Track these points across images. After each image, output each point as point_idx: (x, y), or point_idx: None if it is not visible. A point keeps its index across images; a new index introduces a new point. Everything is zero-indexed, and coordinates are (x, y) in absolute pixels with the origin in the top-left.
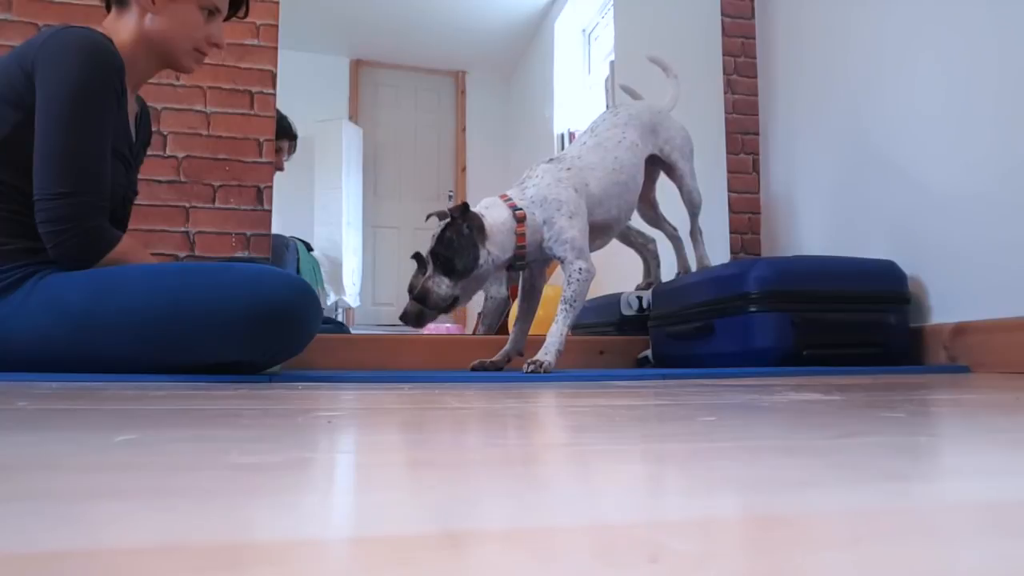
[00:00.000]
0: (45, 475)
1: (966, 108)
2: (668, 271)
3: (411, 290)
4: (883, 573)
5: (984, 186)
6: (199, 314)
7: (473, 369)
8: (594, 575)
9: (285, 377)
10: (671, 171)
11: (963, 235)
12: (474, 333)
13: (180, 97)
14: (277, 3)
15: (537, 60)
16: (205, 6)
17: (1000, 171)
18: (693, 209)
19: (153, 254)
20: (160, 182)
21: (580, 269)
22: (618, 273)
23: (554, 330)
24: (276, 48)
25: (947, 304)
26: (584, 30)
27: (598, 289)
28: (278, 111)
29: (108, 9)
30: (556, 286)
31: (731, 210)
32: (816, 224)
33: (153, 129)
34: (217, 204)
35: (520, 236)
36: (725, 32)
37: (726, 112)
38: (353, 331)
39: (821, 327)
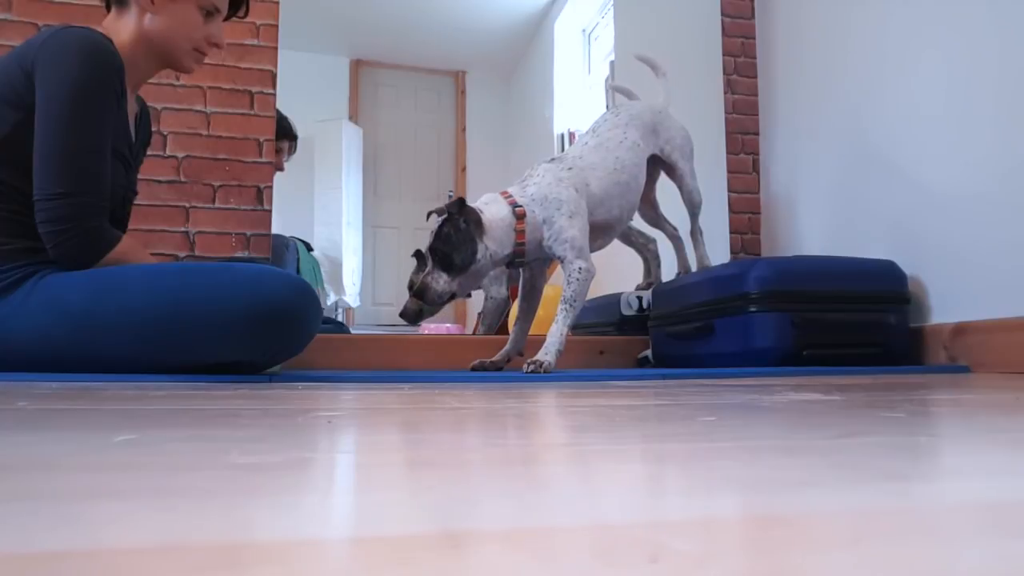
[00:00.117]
0: (45, 475)
1: (966, 108)
2: (668, 271)
3: (411, 287)
4: (883, 573)
5: (984, 186)
6: (199, 314)
7: (473, 369)
8: (594, 575)
9: (285, 377)
10: (671, 171)
11: (963, 235)
12: (474, 333)
13: (180, 97)
14: (277, 3)
15: (537, 60)
16: (204, 6)
17: (1000, 171)
18: (693, 209)
19: (153, 254)
20: (160, 182)
21: (580, 269)
22: (618, 273)
23: (554, 330)
24: (276, 48)
25: (947, 304)
26: (584, 30)
27: (598, 289)
28: (278, 111)
29: (108, 9)
30: (556, 286)
31: (731, 210)
32: (816, 224)
33: (153, 129)
34: (217, 204)
35: (520, 233)
36: (725, 32)
37: (726, 112)
38: (353, 331)
39: (821, 327)
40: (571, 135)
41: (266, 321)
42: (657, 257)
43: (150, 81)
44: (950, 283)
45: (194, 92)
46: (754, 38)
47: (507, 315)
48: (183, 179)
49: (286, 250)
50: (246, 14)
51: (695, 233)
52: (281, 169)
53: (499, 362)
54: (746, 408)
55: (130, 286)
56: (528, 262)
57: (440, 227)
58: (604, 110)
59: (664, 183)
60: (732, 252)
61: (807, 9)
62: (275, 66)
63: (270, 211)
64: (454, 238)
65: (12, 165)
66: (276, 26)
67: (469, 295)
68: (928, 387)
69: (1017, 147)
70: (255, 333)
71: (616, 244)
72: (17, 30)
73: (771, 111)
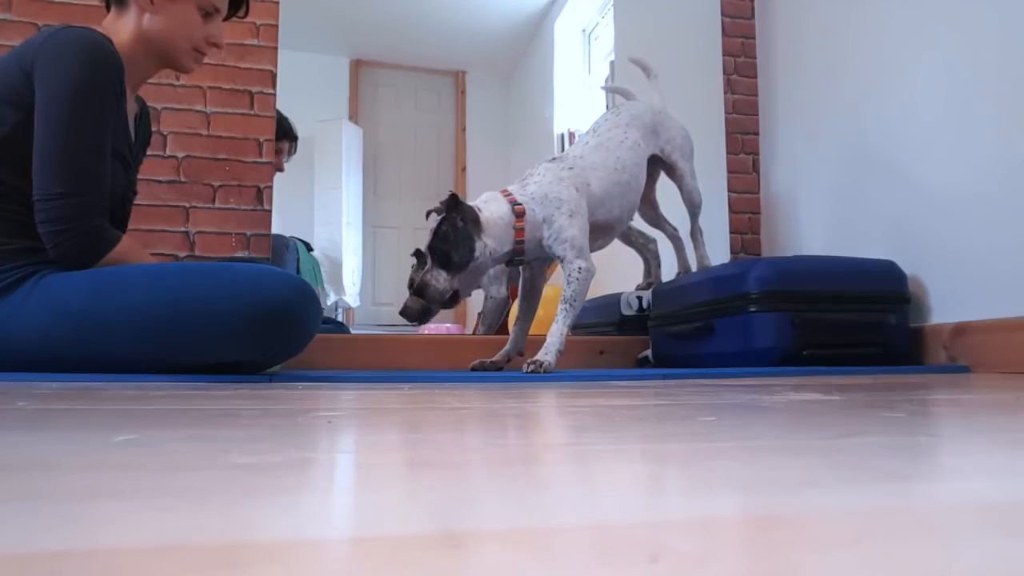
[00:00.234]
0: (45, 475)
1: (966, 108)
2: (668, 271)
3: (411, 285)
4: (883, 573)
5: (984, 186)
6: (199, 314)
7: (473, 369)
8: (594, 575)
9: (285, 377)
10: (671, 171)
11: (963, 235)
12: (474, 333)
13: (180, 97)
14: (277, 3)
15: (537, 60)
16: (204, 6)
17: (1000, 171)
18: (693, 209)
19: (153, 254)
20: (160, 182)
21: (580, 268)
22: (618, 273)
23: (554, 330)
24: (276, 48)
25: (947, 304)
26: (584, 30)
27: (598, 289)
28: (279, 112)
29: (107, 9)
30: (556, 286)
31: (731, 210)
32: (816, 224)
33: (153, 129)
34: (217, 204)
35: (519, 231)
36: (725, 32)
37: (726, 112)
38: (353, 331)
39: (821, 327)
40: (571, 135)
41: (266, 321)
42: (657, 257)
43: (150, 81)
44: (950, 283)
45: (194, 92)
46: (754, 38)
47: (507, 315)
48: (183, 179)
49: (286, 250)
50: (246, 14)
51: (695, 233)
52: (281, 170)
53: (499, 362)
54: (746, 408)
55: (130, 286)
56: (528, 261)
57: (438, 225)
58: (604, 110)
59: (664, 183)
60: (732, 252)
61: (807, 9)
62: (275, 66)
63: (270, 211)
64: (452, 236)
65: (12, 165)
66: (276, 26)
67: (469, 294)
68: (928, 387)
69: (1017, 147)
70: (255, 333)
71: (616, 244)
72: (17, 30)
73: (771, 111)
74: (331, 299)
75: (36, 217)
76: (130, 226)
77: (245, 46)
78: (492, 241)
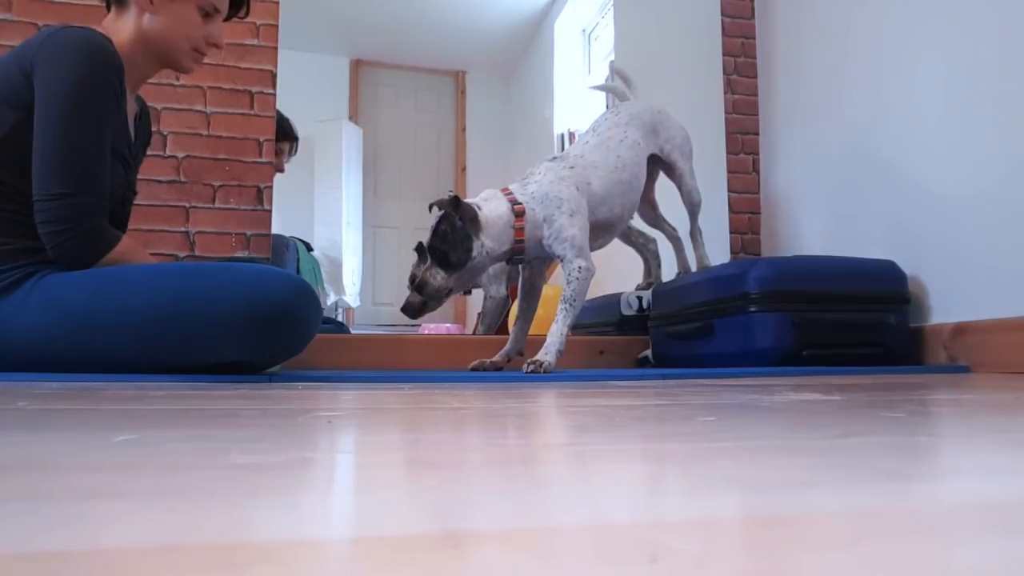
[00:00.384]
0: (45, 475)
1: (966, 108)
2: (668, 271)
3: (412, 280)
4: (883, 573)
5: (984, 186)
6: (199, 314)
7: (473, 369)
8: (594, 575)
9: (285, 377)
10: (671, 171)
11: (963, 235)
12: (474, 333)
13: (180, 97)
14: (277, 3)
15: (537, 60)
16: (204, 6)
17: (1000, 171)
18: (693, 209)
19: (153, 254)
20: (160, 182)
21: (580, 268)
22: (618, 273)
23: (554, 330)
24: (276, 48)
25: (947, 304)
26: (584, 30)
27: (598, 289)
28: (279, 113)
29: (108, 9)
30: (556, 286)
31: (731, 210)
32: (816, 224)
33: (153, 129)
34: (217, 204)
35: (518, 230)
36: (725, 32)
37: (726, 112)
38: (353, 331)
39: (821, 327)
40: (571, 135)
41: (266, 321)
42: (657, 257)
43: (150, 81)
44: (950, 283)
45: (194, 92)
46: (754, 38)
47: (507, 315)
48: (183, 179)
49: (286, 250)
50: (246, 14)
51: (694, 233)
52: (282, 170)
53: (499, 362)
54: (746, 408)
55: (130, 286)
56: (528, 261)
57: (437, 224)
58: (604, 110)
59: (663, 184)
60: (732, 252)
61: (807, 9)
62: (275, 66)
63: (270, 211)
64: (450, 236)
65: (12, 165)
66: (276, 26)
67: (469, 292)
68: (928, 387)
69: (1017, 147)
70: (255, 333)
71: (616, 244)
72: (17, 30)
73: (771, 111)
74: (331, 299)
75: (36, 217)
76: (130, 226)
77: (245, 46)
78: (490, 241)
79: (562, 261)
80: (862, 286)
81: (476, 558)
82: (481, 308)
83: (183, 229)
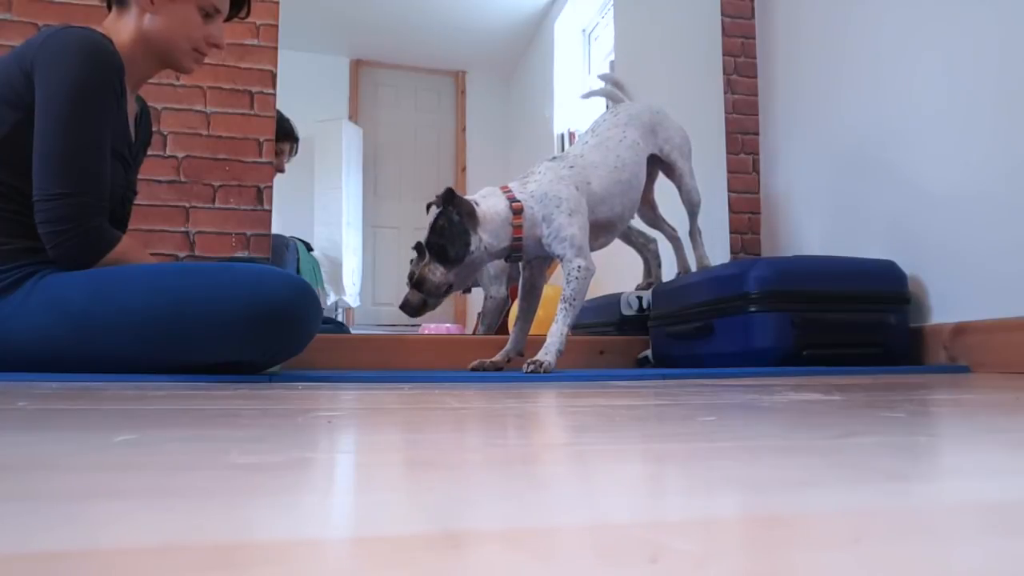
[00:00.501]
0: (45, 475)
1: (967, 108)
2: (668, 271)
3: (411, 278)
4: (883, 573)
5: (984, 186)
6: (199, 314)
7: (473, 369)
8: (594, 575)
9: (285, 377)
10: (670, 171)
11: (963, 235)
12: (474, 333)
13: (180, 97)
14: (277, 3)
15: (537, 60)
16: (204, 7)
17: (1000, 171)
18: (692, 208)
19: (153, 254)
20: (160, 182)
21: (579, 267)
22: (618, 273)
23: (554, 330)
24: (276, 48)
25: (947, 304)
26: (584, 30)
27: (598, 289)
28: (280, 113)
29: (109, 9)
30: (556, 286)
31: (731, 210)
32: (816, 224)
33: (153, 129)
34: (217, 204)
35: (516, 228)
36: (725, 32)
37: (726, 112)
38: (353, 331)
39: (821, 327)
40: (571, 135)
41: (266, 321)
42: (658, 257)
43: (150, 81)
44: (950, 283)
45: (194, 92)
46: (754, 38)
47: (507, 315)
48: (183, 179)
49: (286, 250)
50: (247, 15)
51: (694, 233)
52: (282, 171)
53: (499, 362)
54: (746, 408)
55: (130, 286)
56: (528, 261)
57: (435, 220)
58: (604, 110)
59: (663, 184)
60: (732, 252)
61: (807, 9)
62: (275, 66)
63: (270, 211)
64: (448, 230)
65: (12, 165)
66: (276, 26)
67: (469, 291)
68: (928, 387)
69: (1017, 147)
70: (255, 333)
71: (616, 244)
72: (17, 30)
73: (771, 111)
74: (331, 299)
75: (36, 217)
76: (130, 226)
77: (245, 46)
78: (488, 236)
79: (561, 260)
80: (862, 286)
81: (476, 558)
82: (481, 308)
83: (183, 229)
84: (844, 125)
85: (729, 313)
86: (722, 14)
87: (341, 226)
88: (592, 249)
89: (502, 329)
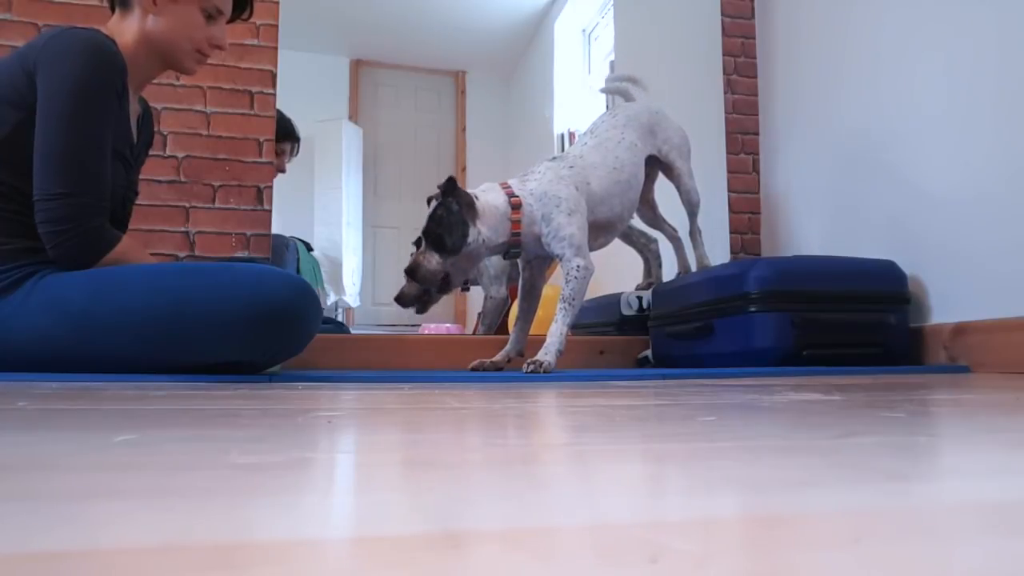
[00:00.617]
0: (45, 475)
1: (967, 108)
2: (669, 271)
3: (408, 272)
4: (883, 573)
5: (984, 186)
6: (199, 314)
7: (473, 369)
8: (594, 575)
9: (285, 377)
10: (669, 171)
11: (963, 235)
12: (474, 333)
13: (180, 97)
14: (277, 3)
15: (537, 60)
16: (207, 8)
17: (1000, 171)
18: (692, 209)
19: (153, 254)
20: (160, 182)
21: (579, 267)
22: (618, 273)
23: (554, 330)
24: (276, 48)
25: (947, 304)
26: (584, 30)
27: (598, 289)
28: (281, 113)
29: (112, 10)
30: (556, 286)
31: (731, 210)
32: (816, 224)
33: (154, 130)
34: (217, 204)
35: (515, 223)
36: (725, 32)
37: (726, 112)
38: (353, 331)
39: (821, 327)
40: (571, 135)
41: (266, 321)
42: (658, 257)
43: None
44: (950, 283)
45: (194, 92)
46: (754, 38)
47: (507, 315)
48: (183, 179)
49: (286, 250)
50: (249, 16)
51: (694, 233)
52: (283, 171)
53: (499, 362)
54: (746, 408)
55: (130, 286)
56: (528, 261)
57: (434, 209)
58: (604, 110)
59: (662, 184)
60: (732, 252)
61: (807, 9)
62: (275, 66)
63: (270, 211)
64: (446, 220)
65: (13, 165)
66: (276, 26)
67: (467, 289)
68: (928, 387)
69: (1017, 147)
70: (255, 333)
71: (616, 244)
72: (17, 30)
73: (771, 111)
74: (331, 299)
75: (36, 217)
76: (130, 226)
77: (245, 46)
78: (486, 229)
79: (560, 260)
80: (862, 286)
81: (476, 558)
82: (481, 308)
83: (183, 229)
84: (844, 125)
85: (729, 313)
86: (722, 14)
87: (341, 226)
88: (592, 249)
89: (502, 329)
